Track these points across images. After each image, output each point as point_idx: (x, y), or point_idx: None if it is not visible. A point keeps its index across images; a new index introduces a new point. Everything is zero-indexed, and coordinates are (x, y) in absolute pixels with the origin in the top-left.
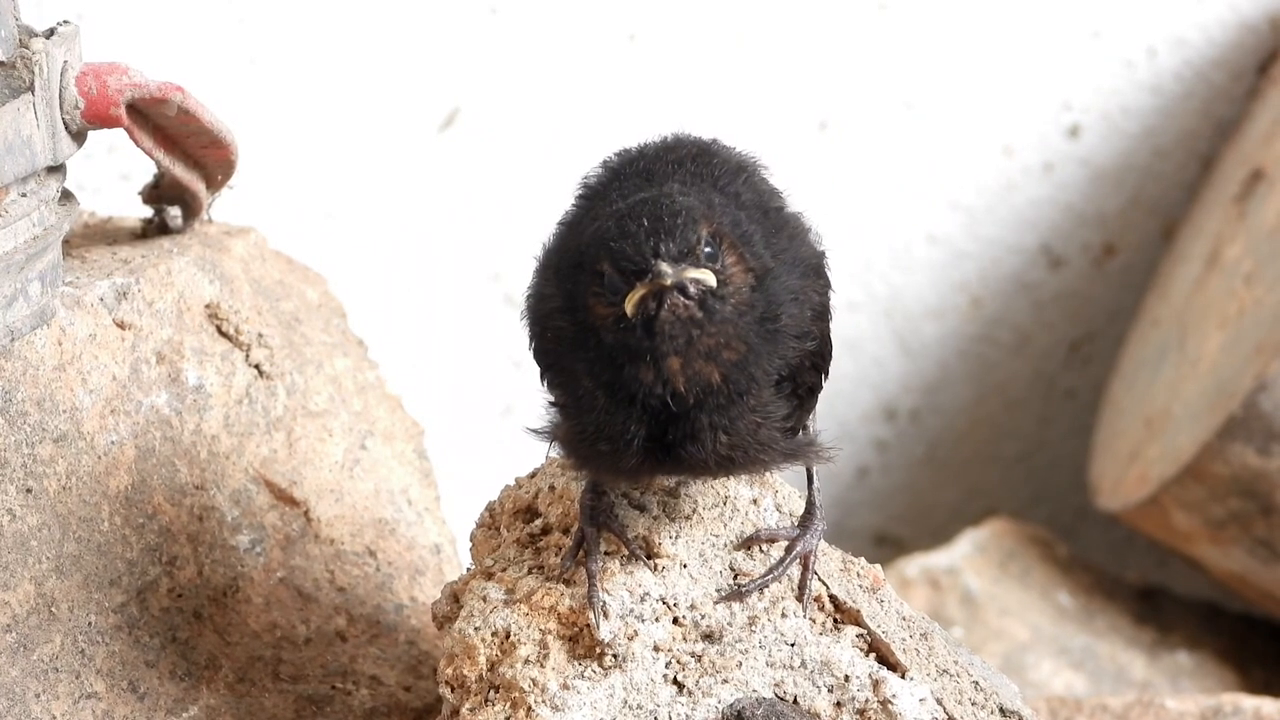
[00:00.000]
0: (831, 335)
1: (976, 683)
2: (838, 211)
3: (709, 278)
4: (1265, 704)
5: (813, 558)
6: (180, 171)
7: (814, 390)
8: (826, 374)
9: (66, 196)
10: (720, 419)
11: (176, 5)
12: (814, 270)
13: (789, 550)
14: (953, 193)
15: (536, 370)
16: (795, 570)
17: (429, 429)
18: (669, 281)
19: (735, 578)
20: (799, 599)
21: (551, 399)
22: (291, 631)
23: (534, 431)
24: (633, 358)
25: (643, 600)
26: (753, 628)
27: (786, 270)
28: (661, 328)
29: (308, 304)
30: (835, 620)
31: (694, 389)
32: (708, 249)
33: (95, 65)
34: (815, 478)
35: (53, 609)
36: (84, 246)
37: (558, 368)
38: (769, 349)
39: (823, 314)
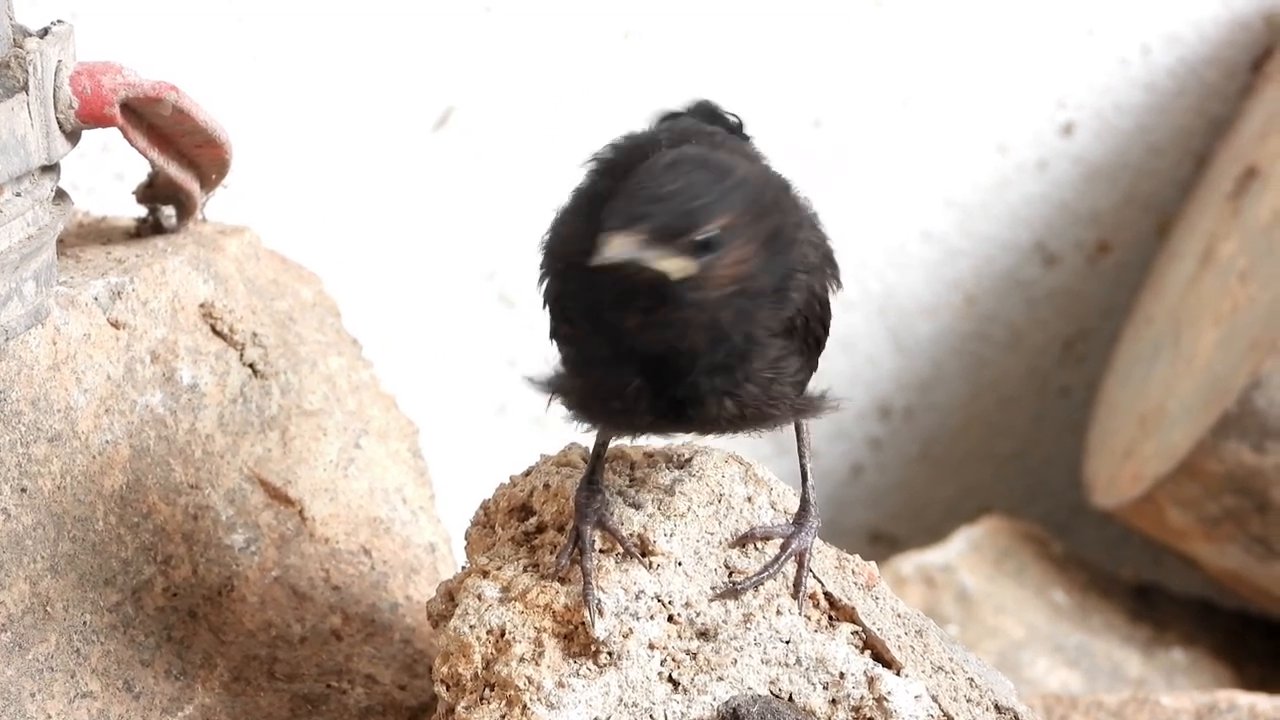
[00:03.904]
0: (830, 296)
1: (971, 680)
2: (832, 209)
3: (668, 268)
4: (1260, 701)
5: (808, 555)
6: (174, 171)
7: (820, 343)
8: (828, 329)
9: (61, 196)
10: (724, 383)
11: (170, 6)
12: (809, 223)
13: (784, 547)
14: (947, 190)
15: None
16: (790, 567)
17: (423, 428)
18: (607, 257)
19: (730, 575)
20: (794, 596)
21: (561, 355)
22: (286, 630)
23: (533, 381)
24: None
25: (638, 598)
26: (748, 625)
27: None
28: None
29: (302, 303)
30: (830, 618)
31: (658, 348)
32: (708, 238)
33: (89, 64)
34: (810, 475)
35: (48, 608)
36: (78, 246)
37: (566, 313)
38: (773, 309)
39: (828, 257)
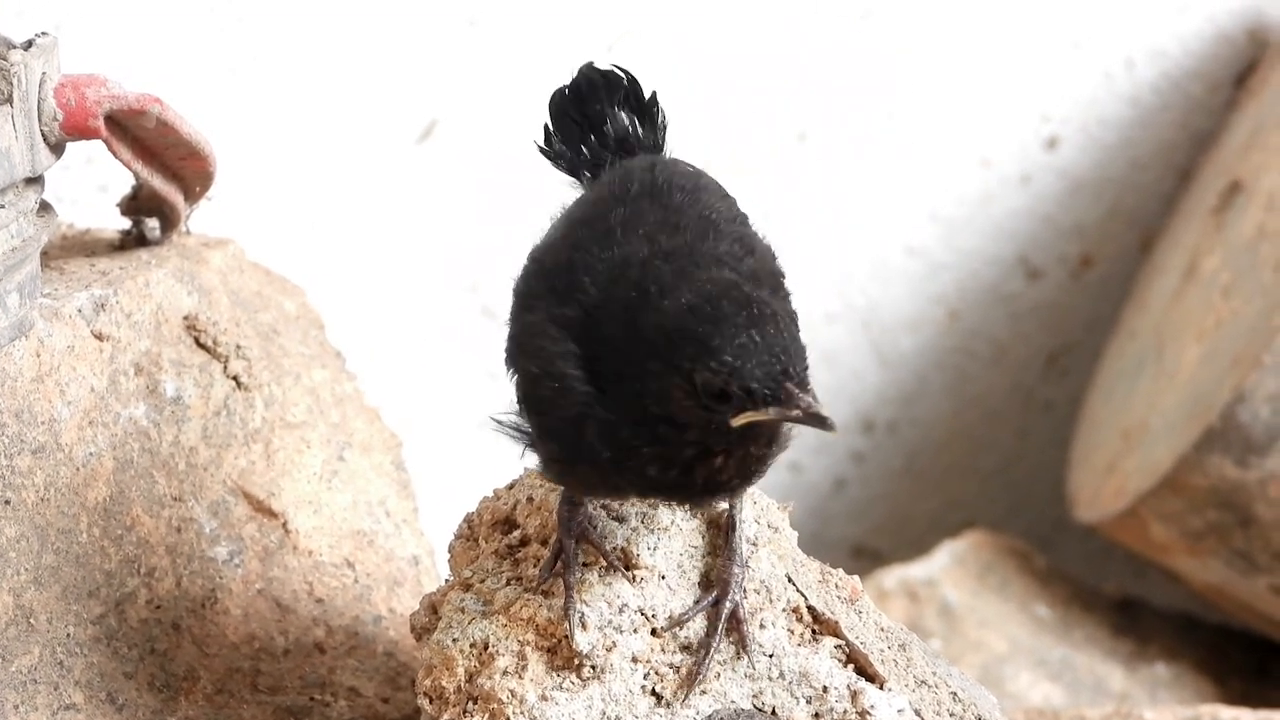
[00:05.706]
0: None
1: (955, 694)
2: (816, 223)
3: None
4: (1243, 715)
5: (741, 609)
6: (158, 183)
7: None
8: None
9: (45, 208)
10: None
11: (155, 17)
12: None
13: (716, 610)
14: (931, 204)
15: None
16: (732, 631)
17: (407, 440)
18: (825, 419)
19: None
20: (740, 655)
21: (529, 430)
22: (270, 643)
23: (501, 426)
24: (698, 447)
25: (621, 611)
26: (731, 639)
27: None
28: (757, 434)
29: (286, 315)
30: (814, 631)
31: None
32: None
33: (74, 77)
34: (739, 524)
35: (31, 620)
36: (62, 258)
37: (548, 415)
38: None
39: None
